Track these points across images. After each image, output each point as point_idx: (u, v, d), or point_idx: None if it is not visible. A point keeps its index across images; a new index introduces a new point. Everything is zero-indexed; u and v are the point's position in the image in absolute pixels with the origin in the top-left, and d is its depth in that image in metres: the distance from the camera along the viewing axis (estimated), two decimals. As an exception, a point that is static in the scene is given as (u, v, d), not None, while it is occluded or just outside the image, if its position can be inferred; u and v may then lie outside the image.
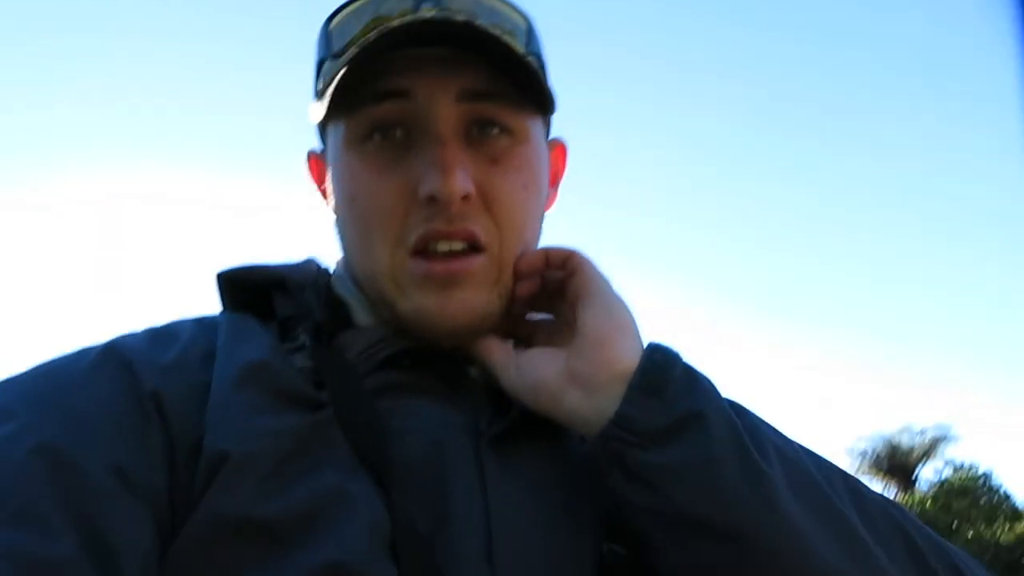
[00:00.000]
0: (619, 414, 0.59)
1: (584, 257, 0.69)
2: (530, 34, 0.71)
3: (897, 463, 19.47)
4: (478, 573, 0.56)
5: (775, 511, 0.56)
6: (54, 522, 0.50)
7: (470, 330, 0.66)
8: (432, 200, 0.63)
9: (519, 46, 0.67)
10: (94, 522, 0.51)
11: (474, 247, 0.65)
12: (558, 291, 0.69)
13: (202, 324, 0.68)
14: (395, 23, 0.63)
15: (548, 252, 0.70)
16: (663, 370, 0.61)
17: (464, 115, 0.65)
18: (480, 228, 0.65)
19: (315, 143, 0.77)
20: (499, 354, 0.67)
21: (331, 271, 0.76)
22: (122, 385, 0.58)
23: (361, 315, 0.71)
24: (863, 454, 19.81)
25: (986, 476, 19.11)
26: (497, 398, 0.67)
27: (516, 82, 0.66)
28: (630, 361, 0.61)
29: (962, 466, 19.41)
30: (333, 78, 0.64)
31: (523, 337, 0.72)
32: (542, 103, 0.68)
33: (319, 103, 0.67)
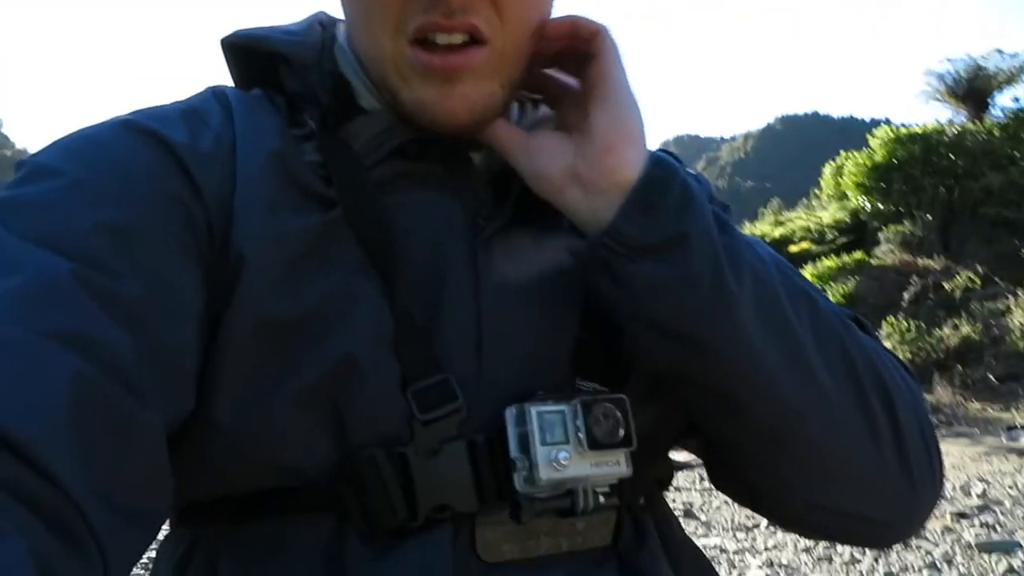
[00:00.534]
0: (612, 226, 0.63)
1: (611, 42, 0.67)
2: None
3: (976, 87, 18.60)
4: (467, 363, 0.64)
5: (736, 326, 0.63)
6: (116, 266, 0.54)
7: (471, 123, 0.67)
8: None
9: None
10: (161, 276, 0.56)
11: (475, 39, 0.63)
12: (585, 59, 0.68)
13: (222, 102, 0.69)
14: None
15: (576, 23, 0.68)
16: (661, 188, 0.64)
17: None
18: (482, 20, 0.63)
19: None
20: (511, 138, 0.69)
21: (336, 38, 0.74)
22: (167, 168, 0.61)
23: (366, 97, 0.72)
24: (941, 76, 18.88)
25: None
26: (497, 183, 0.71)
27: None
28: (631, 172, 0.64)
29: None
30: None
31: (547, 98, 0.74)
32: None
33: None
